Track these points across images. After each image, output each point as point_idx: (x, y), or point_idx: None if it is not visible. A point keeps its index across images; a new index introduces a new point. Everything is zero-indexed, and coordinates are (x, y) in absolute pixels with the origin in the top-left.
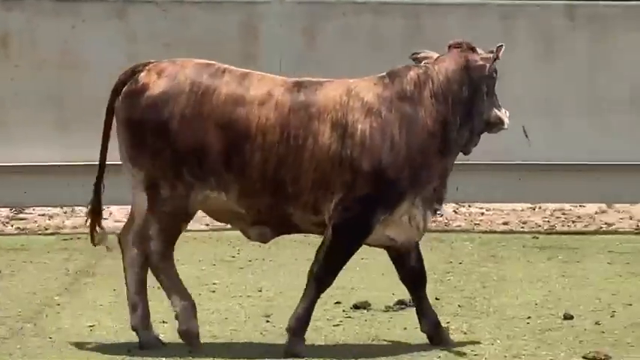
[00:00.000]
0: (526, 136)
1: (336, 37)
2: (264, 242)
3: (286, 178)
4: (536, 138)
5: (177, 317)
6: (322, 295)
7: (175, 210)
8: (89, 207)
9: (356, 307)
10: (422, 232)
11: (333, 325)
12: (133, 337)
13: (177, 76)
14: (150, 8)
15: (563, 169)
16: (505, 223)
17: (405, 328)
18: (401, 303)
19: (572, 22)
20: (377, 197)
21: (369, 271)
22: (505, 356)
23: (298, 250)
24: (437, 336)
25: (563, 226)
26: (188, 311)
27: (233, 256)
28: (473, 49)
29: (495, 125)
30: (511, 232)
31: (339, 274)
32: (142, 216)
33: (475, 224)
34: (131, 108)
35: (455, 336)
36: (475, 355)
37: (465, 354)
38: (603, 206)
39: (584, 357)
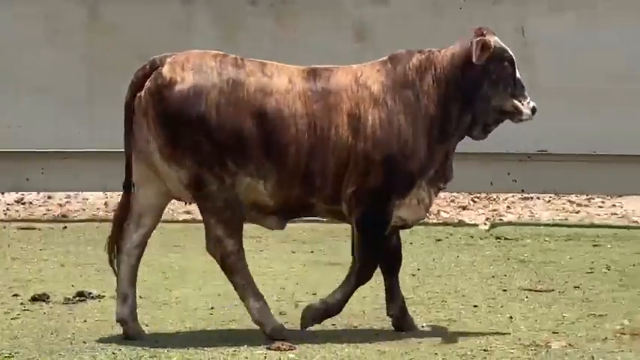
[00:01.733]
0: None
1: (13, 24)
2: (281, 229)
3: (315, 170)
4: None
5: (257, 322)
6: None
7: (228, 202)
8: (118, 208)
9: (34, 299)
10: (429, 211)
11: (11, 319)
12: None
13: (203, 67)
14: None
15: None
16: (188, 212)
17: (85, 320)
18: (80, 295)
19: (255, 7)
20: (389, 187)
21: (48, 262)
22: (188, 348)
23: None
24: (404, 321)
25: None
26: (266, 311)
27: None
28: (488, 34)
29: (511, 114)
30: (193, 221)
31: (15, 267)
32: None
33: None
34: (163, 103)
35: None
36: (157, 347)
37: (147, 347)
38: None
39: (268, 348)
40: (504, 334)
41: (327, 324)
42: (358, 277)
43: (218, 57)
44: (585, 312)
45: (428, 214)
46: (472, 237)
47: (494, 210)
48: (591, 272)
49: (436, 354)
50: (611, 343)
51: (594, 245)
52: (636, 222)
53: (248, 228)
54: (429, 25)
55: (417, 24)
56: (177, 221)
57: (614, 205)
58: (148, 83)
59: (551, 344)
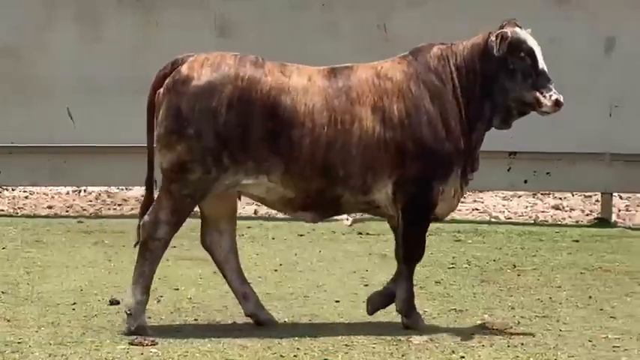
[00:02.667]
0: (70, 117)
1: None
2: (315, 222)
3: (336, 162)
4: (81, 120)
5: (128, 313)
6: None
7: (196, 192)
8: (141, 207)
9: None
10: (458, 202)
11: None
12: None
13: (221, 66)
14: None
15: (109, 152)
16: (50, 207)
17: None
18: None
19: (119, 2)
20: (429, 173)
21: None
22: (50, 343)
23: None
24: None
25: (109, 209)
26: (143, 308)
27: None
28: (508, 26)
29: (532, 106)
30: (56, 216)
31: None
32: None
33: (19, 208)
34: (178, 98)
35: None
36: (19, 342)
37: (8, 342)
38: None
39: (130, 343)
40: (366, 328)
41: (190, 319)
42: (410, 264)
43: (238, 56)
44: (446, 307)
45: (457, 205)
46: (334, 232)
47: None
48: (452, 267)
49: (298, 349)
50: (471, 338)
51: (456, 240)
52: (497, 218)
53: (111, 223)
54: (292, 21)
55: (280, 20)
56: (40, 216)
57: (475, 201)
58: (168, 80)
59: (412, 339)
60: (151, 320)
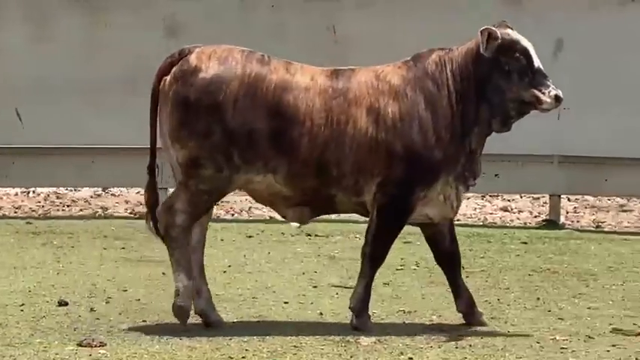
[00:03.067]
0: (19, 119)
1: None
2: (302, 223)
3: (330, 162)
4: (30, 121)
5: (177, 293)
6: None
7: (213, 189)
8: (145, 190)
9: None
10: (456, 209)
11: None
12: None
13: (228, 59)
14: None
15: (58, 152)
16: None
17: None
18: None
19: (66, 2)
20: (413, 178)
21: None
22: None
23: None
24: (471, 315)
25: (58, 210)
26: (189, 290)
27: None
28: (500, 27)
29: (532, 104)
30: (4, 217)
31: None
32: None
33: None
34: (185, 88)
35: None
36: None
37: None
38: (99, 190)
39: (78, 344)
40: (315, 330)
41: (138, 320)
42: (374, 263)
43: (245, 52)
44: (395, 308)
45: (455, 212)
46: (283, 234)
47: None
48: (401, 269)
49: (247, 350)
50: (419, 339)
51: (404, 242)
52: None
53: (60, 224)
54: (241, 22)
55: (229, 21)
56: None
57: None
58: (174, 69)
59: (360, 340)
60: (99, 321)
